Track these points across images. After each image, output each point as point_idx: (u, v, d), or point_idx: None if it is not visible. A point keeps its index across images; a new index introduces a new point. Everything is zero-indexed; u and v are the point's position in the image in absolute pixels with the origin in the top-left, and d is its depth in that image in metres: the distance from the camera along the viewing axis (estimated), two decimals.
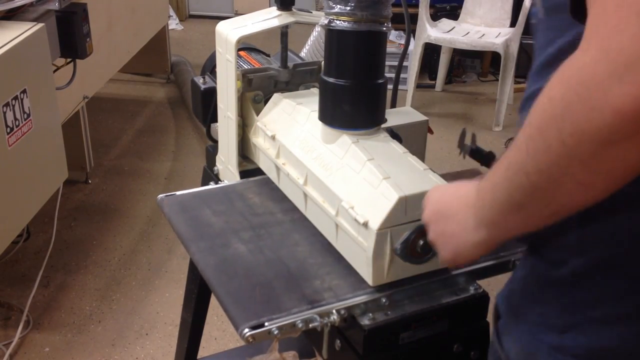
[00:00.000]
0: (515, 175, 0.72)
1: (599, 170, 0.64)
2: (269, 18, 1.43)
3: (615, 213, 0.75)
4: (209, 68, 1.65)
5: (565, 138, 0.64)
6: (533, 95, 0.78)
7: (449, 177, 1.21)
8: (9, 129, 1.94)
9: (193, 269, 1.64)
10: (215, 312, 2.18)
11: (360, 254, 1.13)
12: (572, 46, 0.65)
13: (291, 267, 1.19)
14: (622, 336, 0.77)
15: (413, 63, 3.94)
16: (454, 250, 0.89)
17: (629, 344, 0.78)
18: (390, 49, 3.65)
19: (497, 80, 3.95)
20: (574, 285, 0.80)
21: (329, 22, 1.17)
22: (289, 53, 1.52)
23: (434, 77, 4.43)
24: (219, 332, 2.32)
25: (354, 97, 1.21)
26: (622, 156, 0.63)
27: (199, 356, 1.82)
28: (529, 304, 0.86)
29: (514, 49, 3.76)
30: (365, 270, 1.13)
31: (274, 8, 1.44)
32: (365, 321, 1.09)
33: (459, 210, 0.86)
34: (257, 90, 1.49)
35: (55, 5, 2.24)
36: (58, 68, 2.40)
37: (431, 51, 4.26)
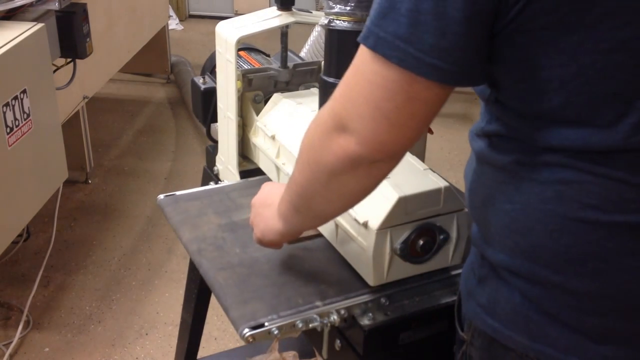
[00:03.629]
0: (293, 184, 0.95)
1: (333, 191, 0.88)
2: (269, 18, 1.43)
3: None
4: (209, 68, 1.65)
5: (311, 165, 0.88)
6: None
7: None
8: (9, 129, 1.94)
9: (193, 269, 1.64)
10: (215, 312, 2.18)
11: (360, 254, 1.13)
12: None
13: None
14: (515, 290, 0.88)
15: None
16: (262, 232, 1.09)
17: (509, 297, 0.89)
18: None
19: None
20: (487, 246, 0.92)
21: (329, 22, 1.17)
22: (289, 53, 1.52)
23: None
24: (219, 332, 2.32)
25: None
26: (345, 184, 0.86)
27: (199, 356, 1.82)
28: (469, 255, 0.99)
29: None
30: (365, 270, 1.13)
31: (274, 8, 1.44)
32: (365, 321, 1.09)
33: (274, 202, 1.05)
34: (257, 90, 1.49)
35: (55, 5, 2.23)
36: (58, 68, 2.40)
37: None
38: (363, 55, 0.79)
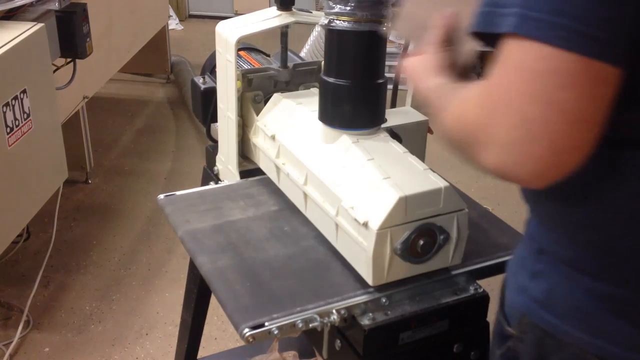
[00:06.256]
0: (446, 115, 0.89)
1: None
2: (269, 18, 1.43)
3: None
4: (209, 68, 1.65)
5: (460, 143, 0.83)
6: None
7: None
8: (9, 129, 1.94)
9: (193, 268, 1.64)
10: (215, 312, 2.18)
11: (360, 254, 1.13)
12: None
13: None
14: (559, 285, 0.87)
15: None
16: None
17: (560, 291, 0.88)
18: (390, 49, 3.65)
19: None
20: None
21: (329, 22, 1.17)
22: (289, 53, 1.52)
23: None
24: (219, 332, 2.32)
25: (354, 97, 1.21)
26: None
27: (199, 356, 1.82)
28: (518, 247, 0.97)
29: None
30: (365, 270, 1.13)
31: (274, 8, 1.44)
32: (365, 321, 1.09)
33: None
34: (257, 90, 1.49)
35: (55, 5, 2.24)
36: (58, 68, 2.40)
37: None
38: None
